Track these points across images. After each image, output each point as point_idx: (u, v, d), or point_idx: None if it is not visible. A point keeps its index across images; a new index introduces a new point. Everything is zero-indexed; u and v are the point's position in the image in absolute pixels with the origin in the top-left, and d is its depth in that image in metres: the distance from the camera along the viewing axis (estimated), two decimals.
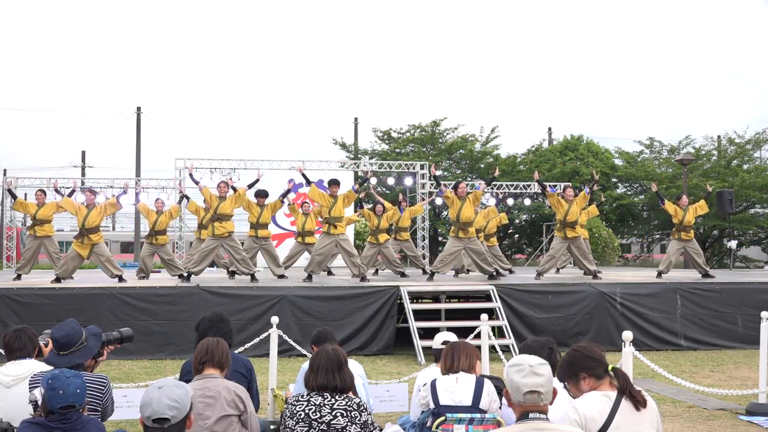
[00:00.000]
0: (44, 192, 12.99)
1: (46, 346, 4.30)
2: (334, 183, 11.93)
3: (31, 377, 3.80)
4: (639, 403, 3.20)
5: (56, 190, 13.37)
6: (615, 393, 3.22)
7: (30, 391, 3.63)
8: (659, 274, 12.30)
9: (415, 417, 4.60)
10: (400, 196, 14.54)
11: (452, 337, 4.95)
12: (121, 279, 11.31)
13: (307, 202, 14.38)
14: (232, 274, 12.81)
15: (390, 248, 13.55)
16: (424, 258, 23.00)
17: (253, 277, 11.37)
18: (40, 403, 3.32)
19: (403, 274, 13.27)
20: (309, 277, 11.39)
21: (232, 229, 11.67)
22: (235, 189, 11.98)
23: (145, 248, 13.36)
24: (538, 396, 2.81)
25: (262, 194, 12.95)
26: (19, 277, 12.42)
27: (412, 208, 14.88)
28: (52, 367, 3.83)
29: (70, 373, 3.27)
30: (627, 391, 3.22)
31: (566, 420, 3.15)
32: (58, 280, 11.15)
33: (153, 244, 13.13)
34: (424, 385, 4.41)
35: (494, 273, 11.55)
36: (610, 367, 3.32)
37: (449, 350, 4.40)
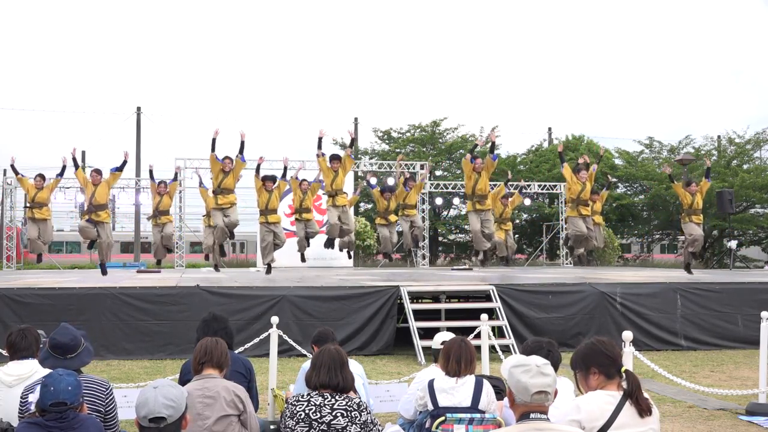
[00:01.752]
0: (43, 177, 13.18)
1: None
2: (336, 158, 12.71)
3: (25, 388, 3.76)
4: (644, 411, 3.15)
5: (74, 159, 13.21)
6: (620, 394, 3.19)
7: (24, 400, 3.61)
8: (692, 257, 12.99)
9: (405, 412, 4.60)
10: (406, 174, 15.58)
11: (461, 337, 4.92)
12: (103, 271, 11.71)
13: (306, 180, 14.43)
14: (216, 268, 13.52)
15: (394, 231, 14.60)
16: (423, 258, 23.06)
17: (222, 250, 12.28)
18: (33, 407, 3.32)
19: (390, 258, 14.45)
20: (329, 243, 12.54)
21: (235, 201, 12.27)
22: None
23: (154, 233, 13.66)
24: (546, 396, 2.80)
25: (270, 179, 12.97)
26: (39, 257, 13.14)
27: (418, 185, 15.56)
28: (49, 370, 3.83)
29: (63, 372, 3.29)
30: (634, 397, 3.17)
31: (568, 418, 3.14)
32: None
33: (157, 225, 13.54)
34: (420, 389, 4.39)
35: (483, 258, 11.96)
36: (623, 369, 3.27)
37: (452, 353, 4.34)
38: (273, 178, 12.87)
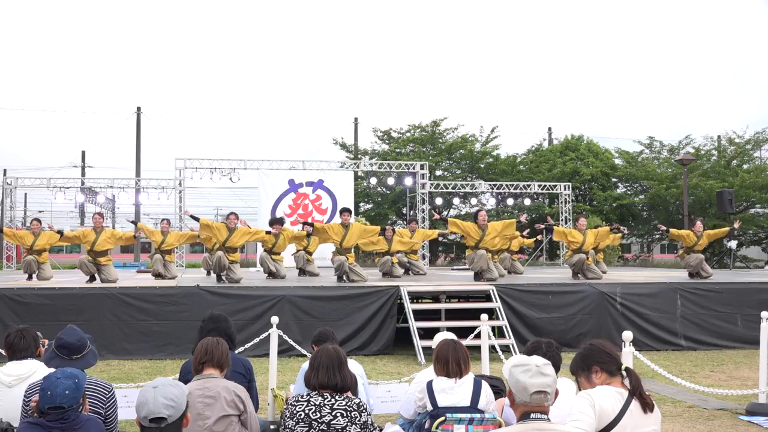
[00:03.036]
0: (39, 221, 12.93)
1: (43, 346, 4.30)
2: (346, 211, 12.12)
3: (29, 386, 3.74)
4: (647, 405, 3.21)
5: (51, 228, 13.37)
6: (626, 392, 3.25)
7: (28, 399, 3.61)
8: (691, 275, 12.51)
9: (406, 413, 4.60)
10: (412, 224, 15.28)
11: (452, 338, 4.92)
12: None
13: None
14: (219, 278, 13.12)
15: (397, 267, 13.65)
16: (423, 258, 23.07)
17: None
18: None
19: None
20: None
21: (238, 259, 11.85)
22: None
23: (158, 258, 13.35)
24: (545, 396, 2.82)
25: (278, 222, 13.19)
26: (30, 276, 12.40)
27: (426, 232, 15.63)
28: (53, 369, 3.82)
29: (61, 374, 3.27)
30: (638, 392, 3.23)
31: (576, 408, 3.16)
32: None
33: (163, 260, 13.28)
34: (419, 391, 4.39)
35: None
36: (623, 366, 3.34)
37: (450, 356, 4.34)
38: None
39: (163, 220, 14.31)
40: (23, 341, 4.10)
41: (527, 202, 25.25)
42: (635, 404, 3.21)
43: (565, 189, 24.53)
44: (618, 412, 3.15)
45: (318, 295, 10.22)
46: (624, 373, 3.32)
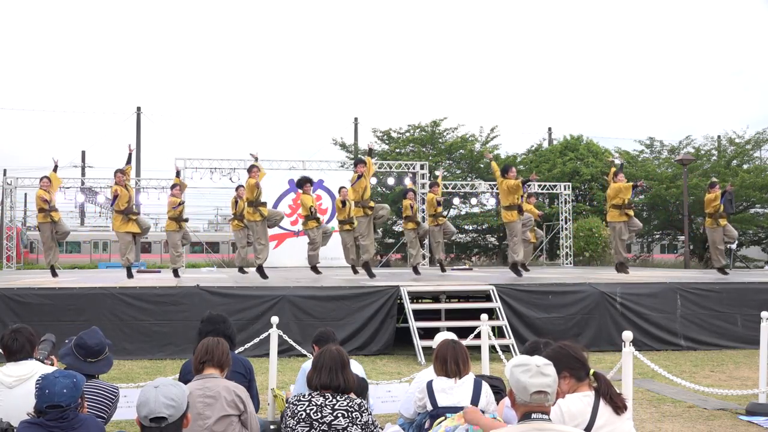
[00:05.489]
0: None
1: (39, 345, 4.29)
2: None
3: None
4: (619, 408, 3.21)
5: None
6: (593, 393, 3.24)
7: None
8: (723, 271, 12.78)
9: (405, 411, 4.61)
10: (434, 188, 15.95)
11: (451, 338, 4.93)
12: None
13: (344, 187, 14.59)
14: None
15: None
16: (423, 258, 23.04)
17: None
18: None
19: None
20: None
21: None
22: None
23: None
24: (545, 396, 2.81)
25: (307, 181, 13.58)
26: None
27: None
28: (53, 368, 3.83)
29: (59, 373, 3.28)
30: (608, 396, 3.23)
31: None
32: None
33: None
34: (419, 391, 4.40)
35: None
36: (591, 371, 3.32)
37: (449, 356, 4.35)
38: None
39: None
40: (16, 343, 4.06)
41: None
42: (605, 406, 3.21)
43: (565, 189, 24.52)
44: (589, 418, 3.15)
45: (318, 295, 10.22)
46: (592, 377, 3.31)
